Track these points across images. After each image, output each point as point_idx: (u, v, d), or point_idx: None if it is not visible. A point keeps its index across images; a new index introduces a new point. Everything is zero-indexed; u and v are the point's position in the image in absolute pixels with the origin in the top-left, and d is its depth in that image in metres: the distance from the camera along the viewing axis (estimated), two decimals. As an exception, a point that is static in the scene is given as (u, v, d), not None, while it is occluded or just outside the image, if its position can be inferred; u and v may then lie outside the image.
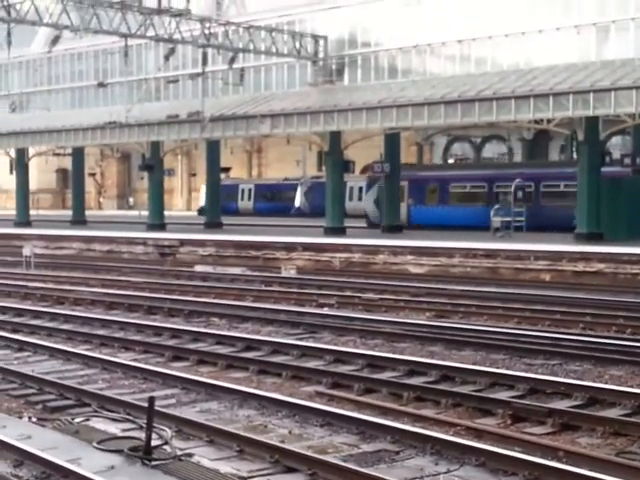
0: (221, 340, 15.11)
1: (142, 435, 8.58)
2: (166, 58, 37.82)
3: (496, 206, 34.56)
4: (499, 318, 17.74)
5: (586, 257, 25.42)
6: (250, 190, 58.83)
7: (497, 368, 12.51)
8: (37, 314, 18.67)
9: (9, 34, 33.74)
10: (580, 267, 25.19)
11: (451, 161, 56.20)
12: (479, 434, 9.22)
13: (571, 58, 32.51)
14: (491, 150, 56.00)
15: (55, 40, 35.35)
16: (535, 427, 9.67)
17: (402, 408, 10.45)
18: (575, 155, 39.76)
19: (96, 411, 10.37)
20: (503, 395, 10.87)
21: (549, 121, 32.78)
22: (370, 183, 43.43)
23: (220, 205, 45.41)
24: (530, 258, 26.26)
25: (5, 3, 33.10)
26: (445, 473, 8.12)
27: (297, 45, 39.04)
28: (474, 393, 10.98)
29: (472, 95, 32.05)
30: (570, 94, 29.62)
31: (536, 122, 34.77)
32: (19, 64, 51.37)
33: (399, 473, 8.07)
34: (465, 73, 35.32)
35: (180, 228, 41.83)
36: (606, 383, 11.57)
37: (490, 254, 27.24)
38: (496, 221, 33.94)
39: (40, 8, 33.92)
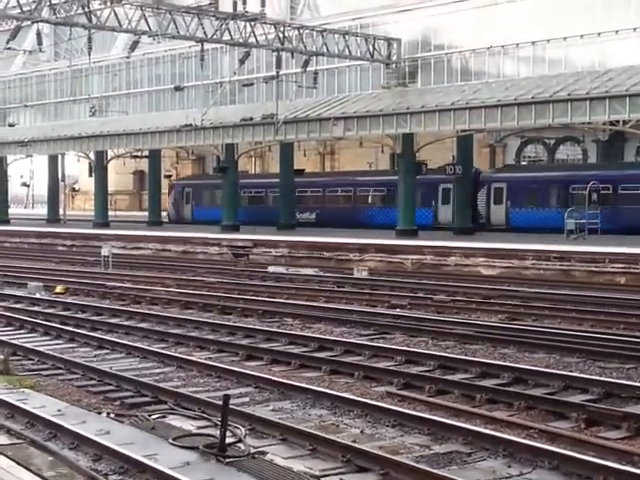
0: (294, 340, 15.25)
1: (216, 432, 8.75)
2: (241, 62, 38.15)
3: (570, 208, 34.07)
4: (573, 321, 17.56)
5: (663, 260, 24.98)
6: None
7: (570, 371, 12.39)
8: (115, 313, 19.07)
9: (90, 40, 34.53)
10: (657, 270, 24.75)
11: (524, 163, 55.49)
12: (552, 437, 9.16)
13: (648, 58, 31.94)
14: (565, 152, 55.12)
15: (134, 45, 35.98)
16: (610, 431, 9.58)
17: (474, 410, 10.41)
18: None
19: (172, 408, 10.55)
20: (577, 398, 10.77)
21: (625, 122, 32.23)
22: (170, 189, 54.58)
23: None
24: (605, 261, 25.87)
25: (86, 10, 33.83)
26: (518, 476, 8.10)
27: (370, 48, 39.03)
28: (547, 396, 10.90)
29: (546, 97, 31.69)
30: (647, 95, 29.12)
31: (611, 124, 34.22)
32: (99, 69, 52.29)
33: (471, 475, 8.08)
34: (539, 75, 34.90)
35: (253, 229, 42.21)
36: (682, 388, 11.38)
37: (564, 256, 26.93)
38: (570, 223, 33.47)
39: (120, 14, 34.59)
